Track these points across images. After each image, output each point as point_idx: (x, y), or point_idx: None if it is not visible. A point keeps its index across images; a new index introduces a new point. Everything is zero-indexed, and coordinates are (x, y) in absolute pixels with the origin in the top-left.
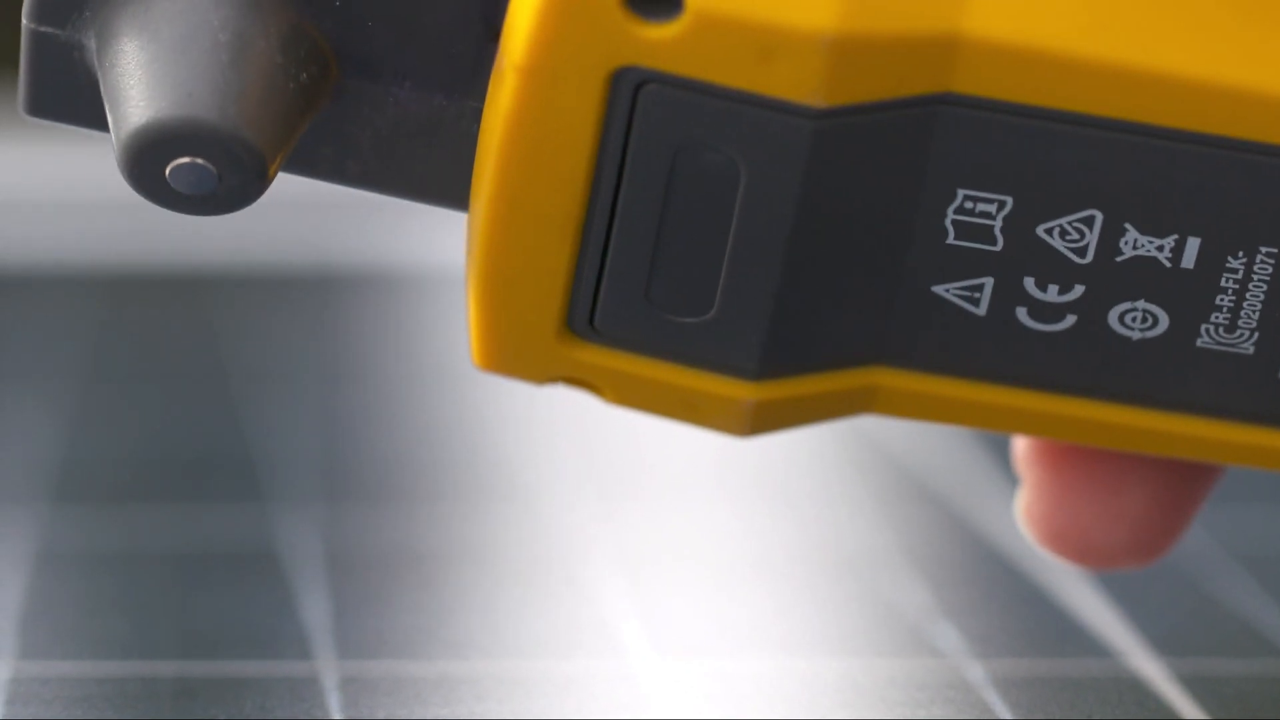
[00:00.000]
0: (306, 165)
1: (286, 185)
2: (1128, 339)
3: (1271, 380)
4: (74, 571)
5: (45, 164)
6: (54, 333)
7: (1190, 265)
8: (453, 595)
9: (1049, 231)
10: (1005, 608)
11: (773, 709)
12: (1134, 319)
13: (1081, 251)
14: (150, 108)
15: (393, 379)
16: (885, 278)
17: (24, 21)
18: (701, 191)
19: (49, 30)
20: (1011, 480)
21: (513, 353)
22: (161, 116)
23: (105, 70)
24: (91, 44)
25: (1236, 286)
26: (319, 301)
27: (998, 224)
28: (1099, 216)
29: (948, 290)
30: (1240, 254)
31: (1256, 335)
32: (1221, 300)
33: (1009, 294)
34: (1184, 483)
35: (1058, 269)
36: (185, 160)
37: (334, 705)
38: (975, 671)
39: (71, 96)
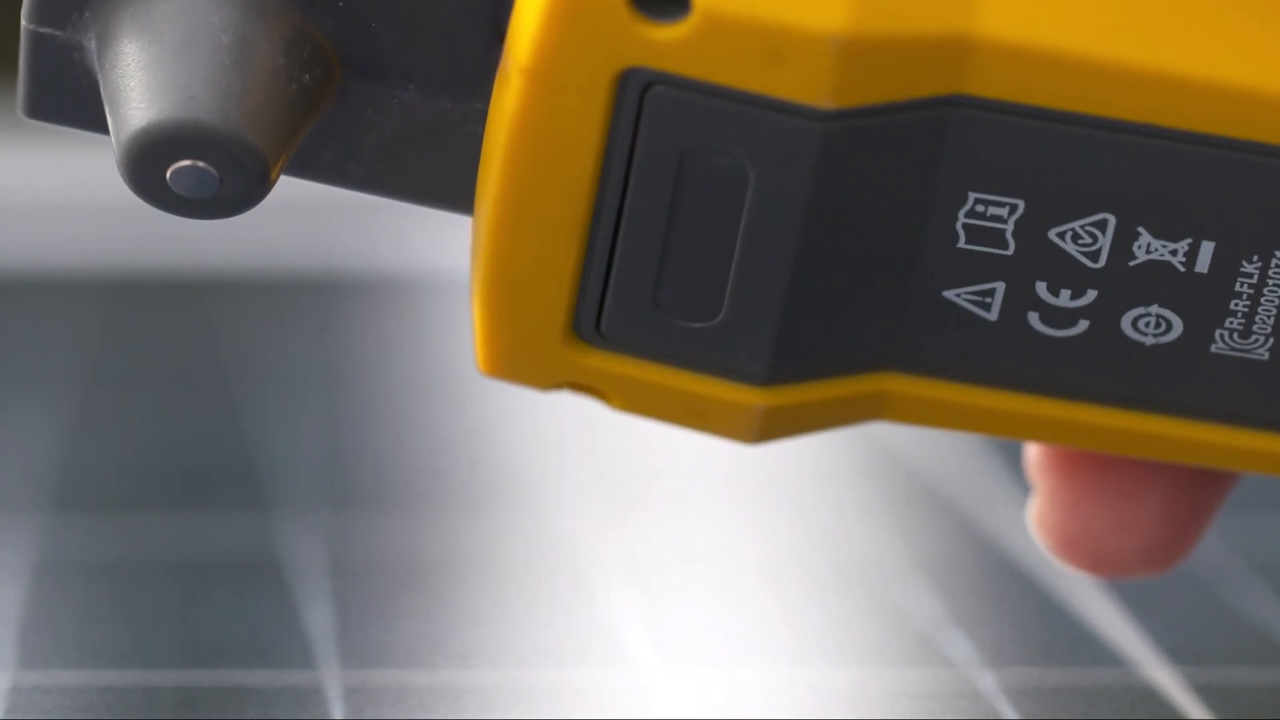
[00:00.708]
0: (309, 168)
1: (289, 188)
2: (1141, 344)
3: None
4: (75, 579)
5: (45, 167)
6: (55, 337)
7: (1204, 270)
8: (458, 603)
9: (1061, 235)
10: (1017, 616)
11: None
12: (1147, 324)
13: (1094, 256)
14: (151, 110)
15: (397, 384)
16: (895, 282)
17: (23, 23)
18: (709, 194)
19: (49, 31)
20: (1023, 487)
21: (518, 358)
22: (162, 119)
23: (105, 72)
24: (92, 45)
25: (1251, 291)
26: (322, 306)
27: (1009, 228)
28: (1112, 220)
29: (958, 295)
30: (1255, 258)
31: (1271, 341)
32: (1236, 305)
33: (1021, 299)
34: (1199, 490)
35: (1070, 273)
36: (186, 163)
37: (338, 715)
38: (987, 681)
39: (71, 98)
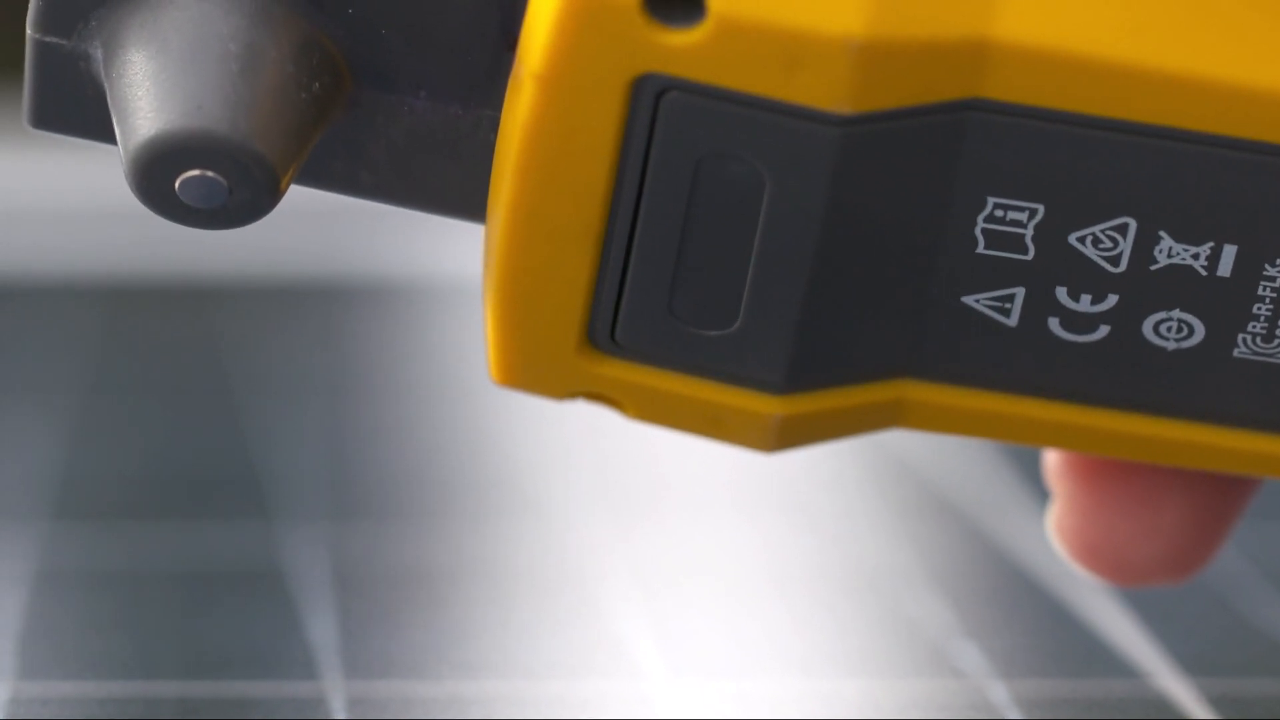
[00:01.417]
0: (319, 177)
1: (294, 195)
2: (1162, 349)
3: None
4: (75, 589)
5: (49, 173)
6: (56, 344)
7: (1226, 274)
8: (463, 614)
9: (1081, 240)
10: (1030, 627)
11: None
12: (1169, 329)
13: (1115, 260)
14: (159, 119)
15: (401, 393)
16: (913, 288)
17: (28, 32)
18: (725, 201)
19: (54, 41)
20: (1036, 495)
21: (532, 368)
22: (171, 128)
23: (112, 81)
24: (98, 54)
25: (1274, 295)
26: (327, 314)
27: (1029, 232)
28: (1132, 224)
29: (978, 301)
30: (1278, 262)
31: None
32: (1259, 309)
33: (1040, 304)
34: (1220, 496)
35: (1090, 278)
36: (195, 173)
37: None
38: (999, 692)
39: (77, 108)
